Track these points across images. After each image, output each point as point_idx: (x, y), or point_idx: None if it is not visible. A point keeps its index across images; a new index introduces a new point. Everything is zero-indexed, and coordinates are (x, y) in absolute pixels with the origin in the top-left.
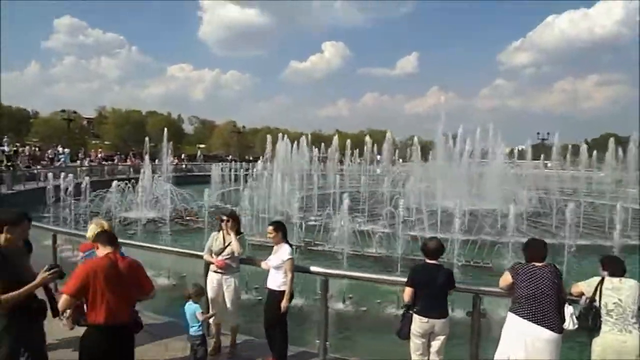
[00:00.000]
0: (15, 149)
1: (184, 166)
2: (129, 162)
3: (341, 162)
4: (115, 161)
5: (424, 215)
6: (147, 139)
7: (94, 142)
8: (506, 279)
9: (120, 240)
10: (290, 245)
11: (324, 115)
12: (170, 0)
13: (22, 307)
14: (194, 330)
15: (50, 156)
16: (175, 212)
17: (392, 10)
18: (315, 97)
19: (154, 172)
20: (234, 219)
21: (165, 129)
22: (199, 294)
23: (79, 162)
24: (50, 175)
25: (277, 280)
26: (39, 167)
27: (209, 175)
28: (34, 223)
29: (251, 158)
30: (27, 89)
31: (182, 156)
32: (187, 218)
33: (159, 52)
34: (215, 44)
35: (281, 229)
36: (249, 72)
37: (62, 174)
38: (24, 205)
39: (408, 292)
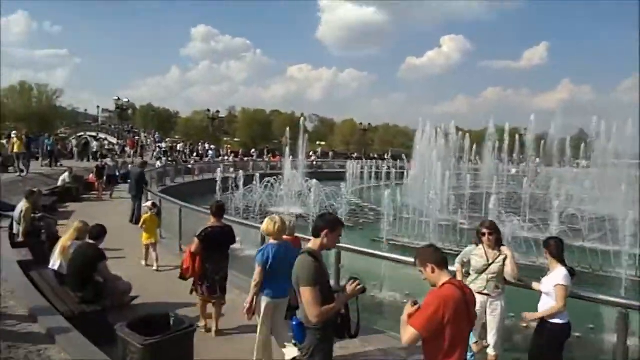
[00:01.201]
0: (171, 145)
1: (314, 163)
2: (266, 159)
3: (470, 160)
4: (254, 157)
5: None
6: (286, 134)
7: (225, 139)
8: None
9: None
10: (568, 268)
11: (440, 111)
12: (292, 0)
13: (329, 321)
14: None
15: (201, 152)
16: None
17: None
18: (431, 93)
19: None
20: (496, 230)
21: (302, 125)
22: None
23: (221, 157)
24: (201, 168)
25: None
26: (191, 162)
27: (339, 172)
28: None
29: (375, 155)
30: (168, 91)
31: (314, 153)
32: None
33: (280, 54)
34: (333, 43)
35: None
36: (366, 70)
37: (219, 169)
38: (193, 196)
39: None
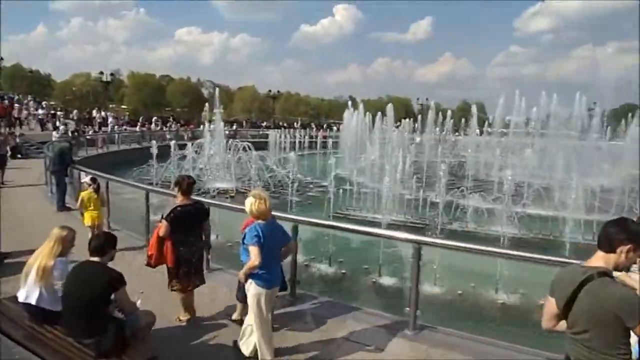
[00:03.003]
0: (53, 112)
1: (227, 132)
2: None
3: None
4: (159, 127)
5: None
6: (215, 103)
7: (111, 106)
8: None
9: None
10: None
11: (333, 80)
12: None
13: None
14: None
15: (99, 121)
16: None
17: None
18: (325, 62)
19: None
20: None
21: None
22: None
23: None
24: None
25: None
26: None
27: (259, 142)
28: None
29: (285, 124)
30: (34, 51)
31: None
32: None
33: (166, 14)
34: (224, 6)
35: None
36: (259, 36)
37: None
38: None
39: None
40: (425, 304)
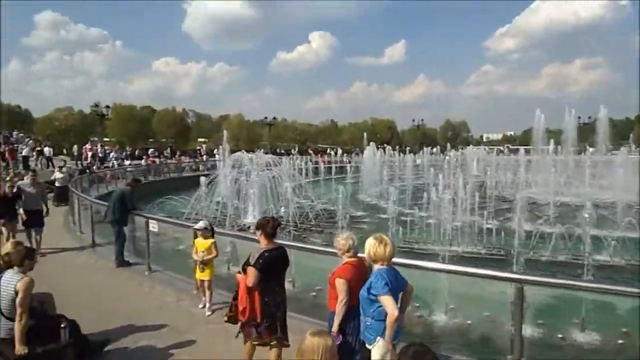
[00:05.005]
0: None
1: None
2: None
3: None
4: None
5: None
6: (224, 136)
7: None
8: None
9: None
10: None
11: (311, 106)
12: None
13: None
14: None
15: (100, 155)
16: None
17: None
18: (303, 88)
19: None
20: None
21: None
22: None
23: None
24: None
25: None
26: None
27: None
28: None
29: (283, 151)
30: (9, 87)
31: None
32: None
33: (143, 46)
34: (201, 37)
35: None
36: (237, 64)
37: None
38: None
39: None
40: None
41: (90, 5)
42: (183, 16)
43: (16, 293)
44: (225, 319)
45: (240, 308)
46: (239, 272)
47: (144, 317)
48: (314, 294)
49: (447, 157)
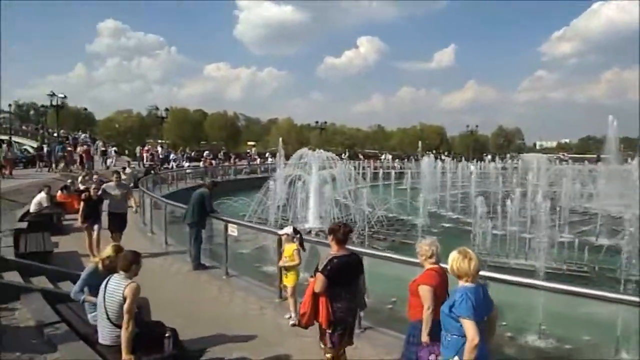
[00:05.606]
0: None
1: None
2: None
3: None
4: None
5: None
6: (280, 140)
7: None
8: None
9: None
10: None
11: (358, 110)
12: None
13: None
14: None
15: (161, 156)
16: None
17: (428, 3)
18: (349, 92)
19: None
20: None
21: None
22: None
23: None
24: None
25: None
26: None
27: None
28: None
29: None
30: (73, 90)
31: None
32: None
33: (196, 52)
34: (252, 42)
35: None
36: (285, 69)
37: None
38: None
39: None
40: None
41: (148, 14)
42: (234, 22)
43: (124, 299)
44: (293, 322)
45: (302, 312)
46: (311, 277)
47: (231, 326)
48: (389, 306)
49: (512, 164)
